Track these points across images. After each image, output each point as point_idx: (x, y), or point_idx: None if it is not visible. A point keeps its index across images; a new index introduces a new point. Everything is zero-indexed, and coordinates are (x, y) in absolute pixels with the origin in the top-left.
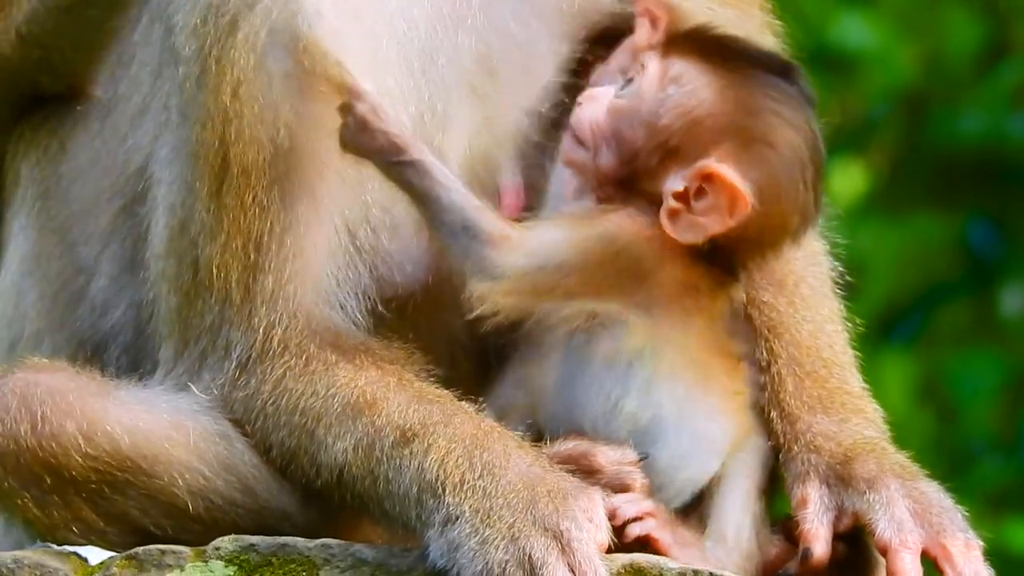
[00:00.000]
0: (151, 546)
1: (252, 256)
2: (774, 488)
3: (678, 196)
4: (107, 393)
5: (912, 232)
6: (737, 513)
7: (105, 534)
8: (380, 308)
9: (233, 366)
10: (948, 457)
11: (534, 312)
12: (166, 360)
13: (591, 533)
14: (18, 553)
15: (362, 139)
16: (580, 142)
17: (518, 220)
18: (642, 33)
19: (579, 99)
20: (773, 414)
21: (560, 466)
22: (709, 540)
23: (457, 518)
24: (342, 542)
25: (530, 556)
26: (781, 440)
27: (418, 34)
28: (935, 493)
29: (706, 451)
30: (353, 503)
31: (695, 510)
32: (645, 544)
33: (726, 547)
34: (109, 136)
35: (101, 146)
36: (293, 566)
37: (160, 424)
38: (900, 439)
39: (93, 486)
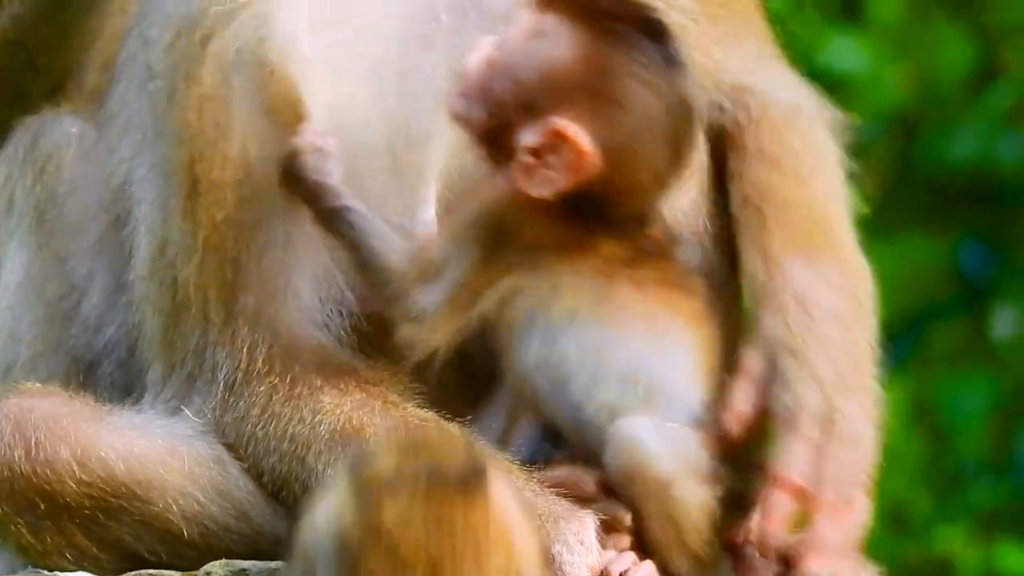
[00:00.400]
0: (144, 571)
1: (230, 275)
2: None
3: (531, 151)
4: (101, 419)
5: (903, 254)
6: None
7: (99, 560)
8: (364, 325)
9: (221, 388)
10: (940, 479)
11: (468, 326)
12: (154, 383)
13: (582, 556)
14: None
15: (297, 183)
16: (462, 94)
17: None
18: None
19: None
20: (754, 257)
21: (551, 490)
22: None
23: None
24: None
25: None
26: (755, 287)
27: (390, 55)
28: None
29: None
30: None
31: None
32: None
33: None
34: (101, 153)
35: (94, 163)
36: None
37: (155, 449)
38: (892, 461)
39: (87, 512)
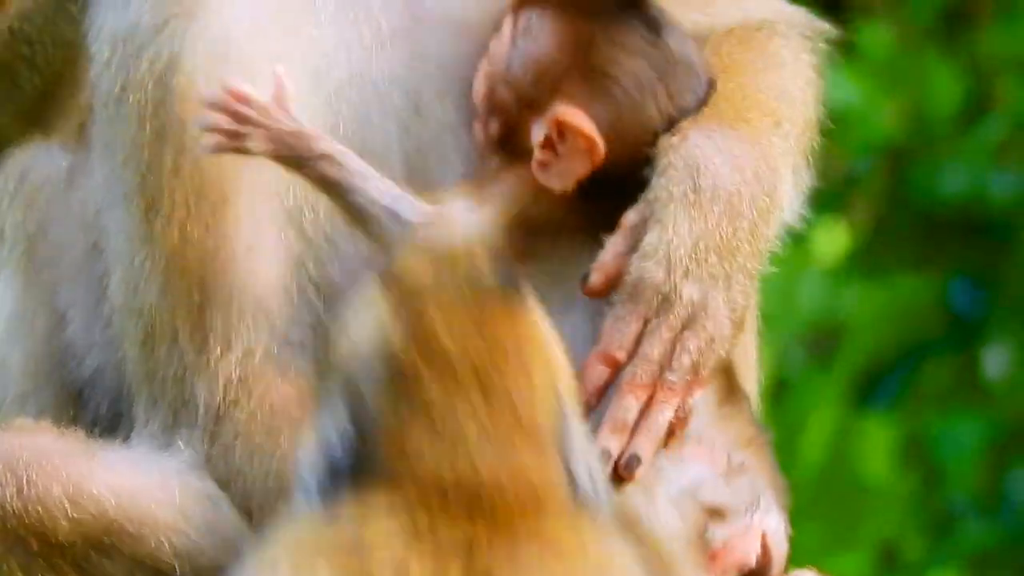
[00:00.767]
0: None
1: (196, 297)
2: None
3: (543, 145)
4: (93, 455)
5: (893, 291)
6: None
7: None
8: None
9: (203, 413)
10: (931, 519)
11: None
12: (141, 416)
13: None
14: None
15: (264, 140)
16: (476, 120)
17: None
18: None
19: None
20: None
21: None
22: None
23: None
24: None
25: None
26: (660, 147)
27: (338, 63)
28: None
29: None
30: None
31: None
32: None
33: None
34: (84, 178)
35: (79, 194)
36: None
37: (146, 485)
38: (883, 501)
39: (79, 550)
